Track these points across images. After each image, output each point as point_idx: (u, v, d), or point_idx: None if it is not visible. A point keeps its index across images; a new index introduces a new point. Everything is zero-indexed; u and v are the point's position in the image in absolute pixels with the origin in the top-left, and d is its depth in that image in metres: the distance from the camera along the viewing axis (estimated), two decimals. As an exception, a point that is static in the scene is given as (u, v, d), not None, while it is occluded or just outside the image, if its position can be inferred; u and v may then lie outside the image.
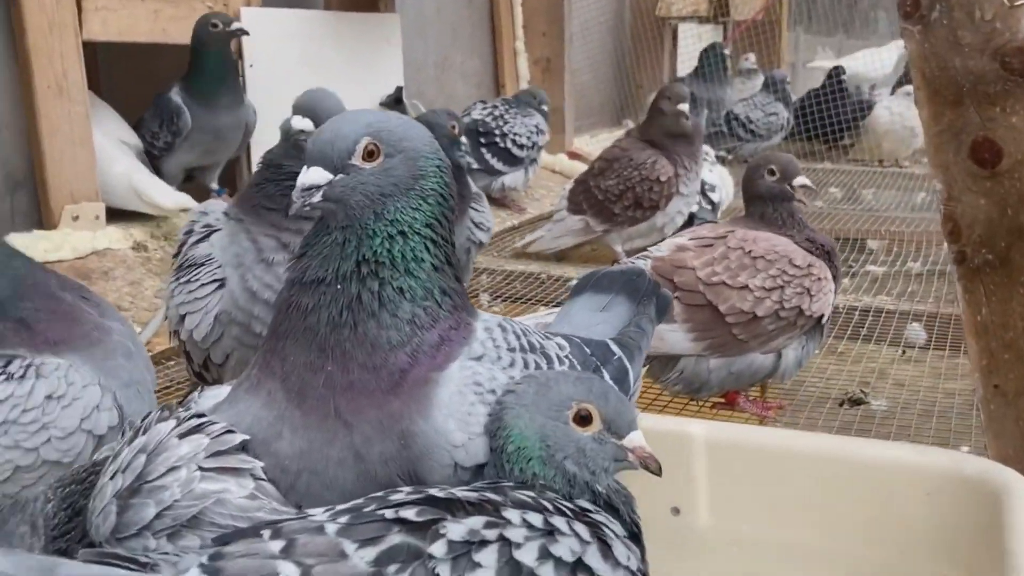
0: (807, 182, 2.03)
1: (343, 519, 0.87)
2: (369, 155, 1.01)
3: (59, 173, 2.79)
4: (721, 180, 3.75)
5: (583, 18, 5.66)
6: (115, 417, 1.26)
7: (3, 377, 1.18)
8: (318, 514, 0.89)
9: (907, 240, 3.86)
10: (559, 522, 0.89)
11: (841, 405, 2.23)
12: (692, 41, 6.85)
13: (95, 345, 1.27)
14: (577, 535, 0.89)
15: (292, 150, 1.64)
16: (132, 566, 0.88)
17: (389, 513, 0.87)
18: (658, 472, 1.01)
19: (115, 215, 3.03)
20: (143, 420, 1.05)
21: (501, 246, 3.85)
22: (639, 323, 1.33)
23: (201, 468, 0.97)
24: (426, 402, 0.99)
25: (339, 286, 1.01)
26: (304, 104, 1.70)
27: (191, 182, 3.37)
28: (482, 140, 4.05)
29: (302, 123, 1.64)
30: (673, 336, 1.91)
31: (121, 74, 3.62)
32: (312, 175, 1.00)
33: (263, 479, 0.98)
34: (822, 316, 1.99)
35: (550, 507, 0.91)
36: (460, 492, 0.91)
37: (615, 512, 0.97)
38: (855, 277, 3.35)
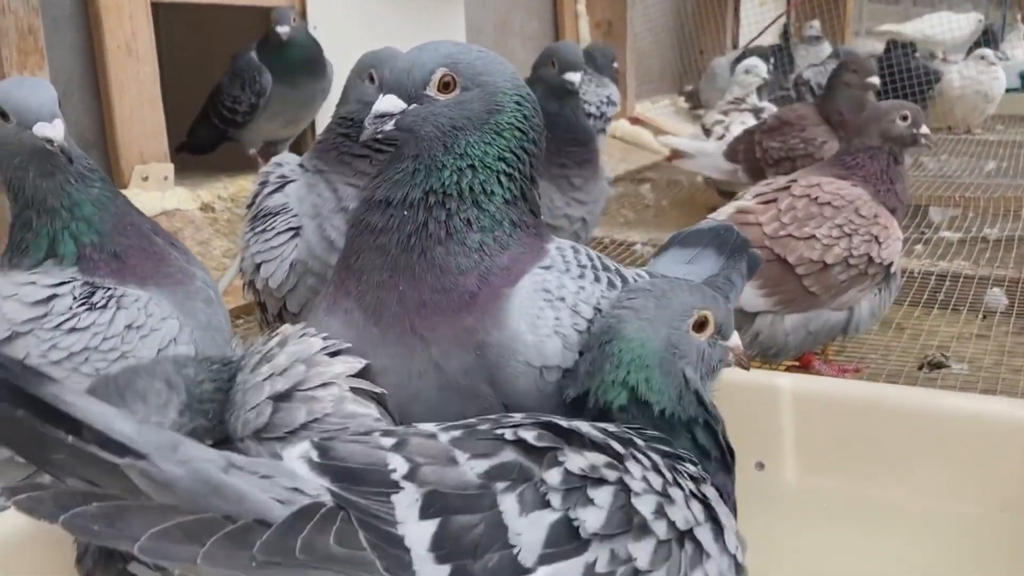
0: (928, 131, 2.09)
1: (457, 432, 0.86)
2: (445, 86, 1.01)
3: (129, 134, 2.81)
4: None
5: (645, -19, 5.56)
6: (192, 352, 1.27)
7: (86, 306, 1.20)
8: (430, 427, 0.88)
9: (982, 207, 3.73)
10: (676, 493, 0.86)
11: (920, 368, 2.17)
12: (756, 6, 6.69)
13: (178, 285, 1.30)
14: (692, 513, 0.87)
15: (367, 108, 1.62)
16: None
17: (508, 434, 0.84)
18: (747, 368, 1.08)
19: (183, 176, 3.05)
20: (277, 334, 1.06)
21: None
22: (728, 275, 1.29)
23: (352, 388, 1.00)
24: (499, 315, 1.02)
25: (406, 212, 1.02)
26: (369, 63, 1.69)
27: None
28: (549, 105, 4.01)
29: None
30: (743, 293, 1.89)
31: (180, 36, 3.64)
32: (386, 103, 1.01)
33: (383, 405, 1.02)
34: (892, 264, 1.95)
35: (669, 476, 0.87)
36: (584, 427, 0.88)
37: (712, 433, 0.97)
38: (928, 244, 3.26)
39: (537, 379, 1.02)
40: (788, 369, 2.12)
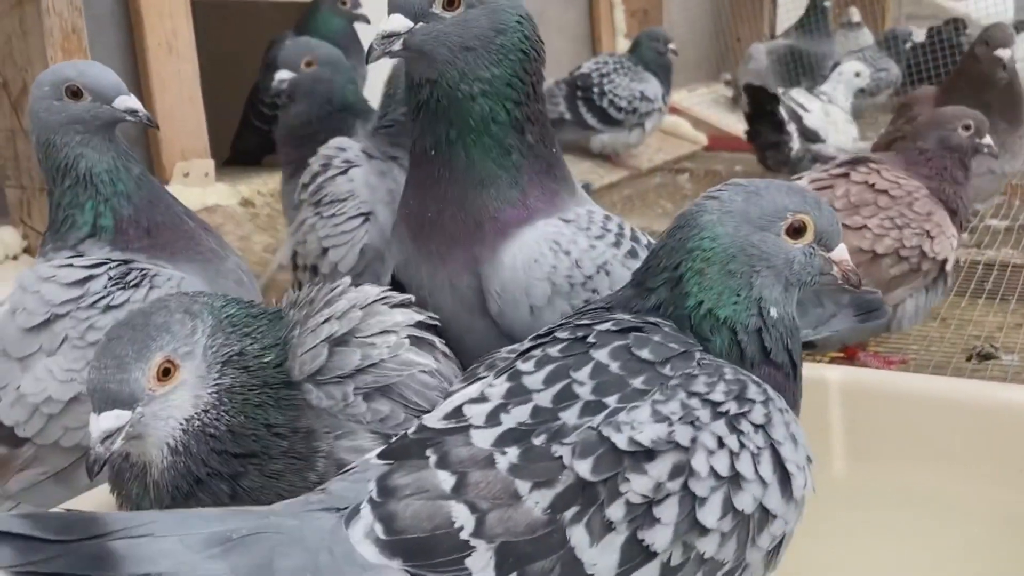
0: (991, 142, 2.01)
1: (512, 450, 0.83)
2: (449, 3, 1.02)
3: (170, 131, 2.84)
4: (829, 124, 3.56)
5: (681, -31, 5.50)
6: None
7: (120, 285, 1.23)
8: (482, 431, 0.86)
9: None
10: (746, 467, 0.84)
11: (968, 360, 2.13)
12: (792, -9, 6.59)
13: (209, 263, 1.33)
14: (761, 479, 0.84)
15: None
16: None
17: (566, 456, 0.82)
18: (859, 286, 0.99)
19: (223, 172, 3.08)
20: (331, 286, 1.08)
21: (598, 202, 3.81)
22: (820, 296, 1.30)
23: (410, 336, 1.02)
24: (499, 250, 1.08)
25: (434, 151, 1.08)
26: None
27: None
28: (579, 94, 3.98)
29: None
30: None
31: (219, 33, 3.67)
32: (393, 22, 1.01)
33: (439, 358, 1.05)
34: (945, 262, 1.91)
35: (735, 444, 0.85)
36: (643, 415, 0.85)
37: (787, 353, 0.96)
38: (974, 232, 3.19)
39: (528, 315, 1.08)
40: (833, 361, 2.10)
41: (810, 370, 1.36)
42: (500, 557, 0.77)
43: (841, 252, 0.97)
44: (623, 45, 4.92)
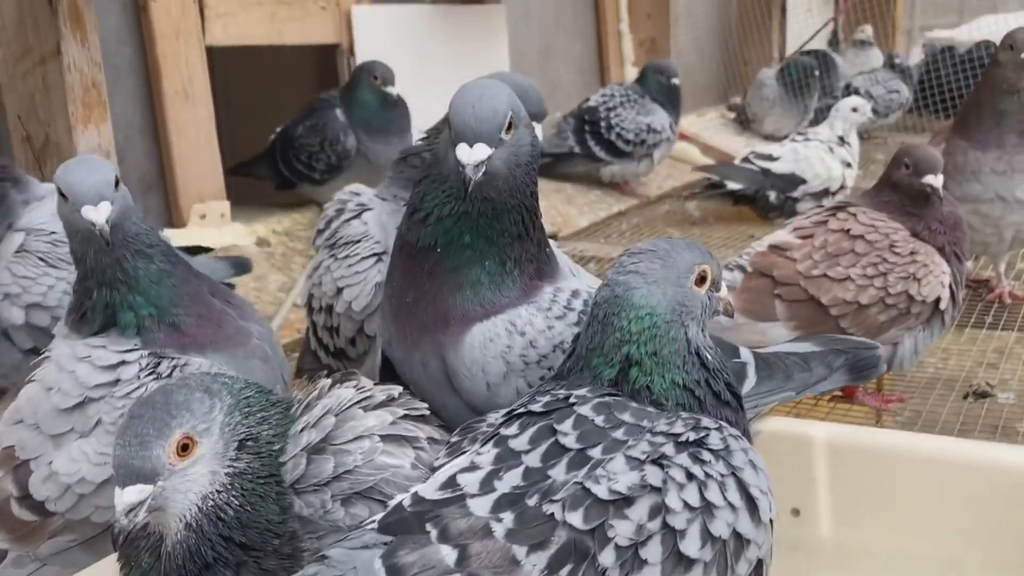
0: (935, 183, 1.91)
1: (507, 515, 0.90)
2: (508, 128, 1.10)
3: (187, 174, 2.93)
4: (804, 164, 3.55)
5: (688, -3, 5.57)
6: None
7: (153, 375, 1.27)
8: (478, 499, 0.92)
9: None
10: (714, 495, 0.93)
11: (965, 398, 2.16)
12: (802, 14, 6.64)
13: (237, 347, 1.35)
14: (730, 504, 0.93)
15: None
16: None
17: (557, 512, 0.90)
18: (731, 315, 1.14)
19: (239, 213, 3.17)
20: (322, 380, 1.15)
21: (607, 231, 3.86)
22: (809, 360, 1.33)
23: (382, 438, 1.07)
24: (461, 338, 1.15)
25: (438, 248, 1.14)
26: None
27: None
28: (587, 127, 4.05)
29: None
30: (775, 331, 1.89)
31: (234, 75, 3.76)
32: (479, 152, 1.07)
33: (422, 448, 1.09)
34: (939, 301, 1.91)
35: (700, 473, 0.94)
36: (619, 465, 0.93)
37: (709, 372, 1.04)
38: (978, 260, 3.22)
39: (486, 391, 1.15)
40: (832, 400, 2.14)
41: (796, 426, 1.42)
42: None
43: (724, 291, 1.11)
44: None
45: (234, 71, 3.75)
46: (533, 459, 0.95)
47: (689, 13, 5.59)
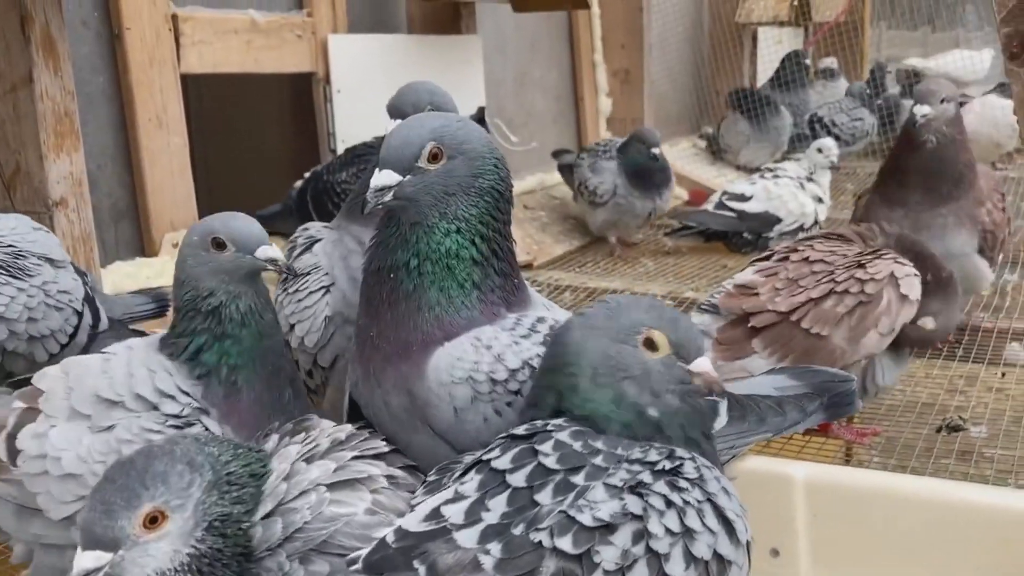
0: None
1: (494, 546, 0.90)
2: (433, 157, 1.13)
3: (160, 203, 2.90)
4: (778, 202, 3.57)
5: (661, 28, 5.63)
6: None
7: (177, 429, 1.27)
8: (464, 531, 0.92)
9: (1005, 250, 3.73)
10: (692, 520, 0.95)
11: (939, 431, 2.18)
12: (772, 45, 6.74)
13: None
14: (709, 529, 0.95)
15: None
16: None
17: (544, 539, 0.90)
18: (722, 395, 1.11)
19: (211, 241, 3.13)
20: (274, 434, 1.15)
21: (582, 260, 3.88)
22: (781, 402, 1.34)
23: (328, 487, 1.06)
24: (424, 366, 1.15)
25: (391, 274, 1.16)
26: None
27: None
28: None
29: None
30: (754, 363, 1.89)
31: (208, 103, 3.75)
32: (384, 177, 1.13)
33: (378, 490, 1.08)
34: (898, 283, 1.88)
35: (678, 500, 0.96)
36: (599, 494, 0.94)
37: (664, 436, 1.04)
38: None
39: (453, 420, 1.14)
40: (807, 433, 2.15)
41: (775, 466, 1.43)
42: None
43: (701, 364, 1.05)
44: (605, 104, 5.03)
45: (207, 99, 3.74)
46: (518, 479, 0.96)
47: (662, 44, 5.65)
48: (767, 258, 2.06)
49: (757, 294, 1.94)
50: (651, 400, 1.04)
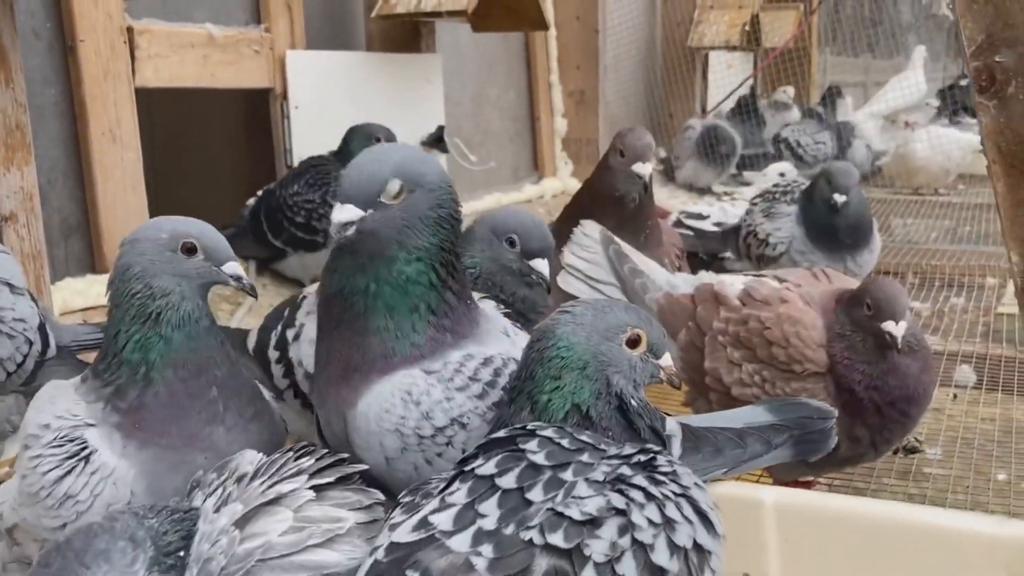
0: (895, 331, 1.60)
1: (486, 548, 0.92)
2: (396, 195, 1.15)
3: (112, 218, 2.84)
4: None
5: (616, 50, 5.69)
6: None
7: (60, 452, 1.24)
8: (456, 537, 0.93)
9: (947, 273, 3.83)
10: (672, 511, 0.99)
11: (895, 453, 2.22)
12: (723, 69, 6.87)
13: (173, 454, 1.28)
14: (687, 519, 0.99)
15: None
16: None
17: (535, 537, 0.92)
18: (679, 387, 1.22)
19: (165, 258, 3.07)
20: (197, 488, 1.12)
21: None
22: (743, 434, 1.34)
23: (235, 525, 1.02)
24: (358, 398, 1.16)
25: (347, 299, 1.18)
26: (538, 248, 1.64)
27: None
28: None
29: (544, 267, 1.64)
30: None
31: (163, 118, 3.68)
32: (347, 212, 1.15)
33: (305, 503, 1.05)
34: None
35: (659, 493, 0.99)
36: (583, 491, 0.97)
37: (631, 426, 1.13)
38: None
39: (385, 465, 1.15)
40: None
41: (745, 490, 1.43)
42: None
43: (667, 359, 1.17)
44: (561, 124, 5.06)
45: (162, 114, 3.67)
46: (508, 481, 0.97)
47: (617, 66, 5.72)
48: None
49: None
50: (633, 392, 1.13)
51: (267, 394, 1.41)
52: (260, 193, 3.12)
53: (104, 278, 2.77)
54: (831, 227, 2.74)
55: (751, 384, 1.72)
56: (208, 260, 1.28)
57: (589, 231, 2.01)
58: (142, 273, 1.25)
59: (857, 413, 1.65)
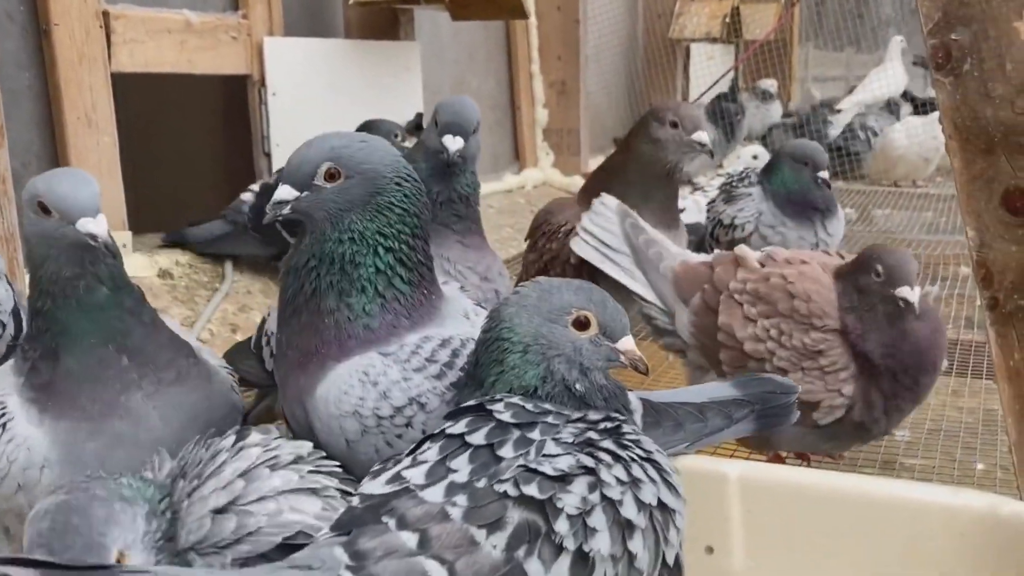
0: (911, 296, 1.62)
1: (460, 498, 0.93)
2: (331, 176, 1.18)
3: (87, 203, 2.82)
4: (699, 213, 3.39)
5: (597, 41, 5.71)
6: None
7: None
8: (428, 489, 0.95)
9: (923, 263, 3.87)
10: (637, 470, 1.01)
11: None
12: (704, 61, 6.89)
13: (93, 421, 1.25)
14: (651, 479, 1.02)
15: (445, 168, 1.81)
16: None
17: (510, 489, 0.94)
18: (646, 372, 1.15)
19: (141, 244, 3.07)
20: (233, 435, 1.13)
21: (517, 269, 3.89)
22: (703, 408, 1.34)
23: (287, 494, 1.06)
24: (316, 384, 1.18)
25: (290, 277, 1.21)
26: (450, 121, 1.78)
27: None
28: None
29: (454, 143, 1.77)
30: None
31: (141, 103, 3.66)
32: (282, 192, 1.18)
33: (331, 496, 1.09)
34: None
35: (624, 453, 1.02)
36: (551, 448, 1.00)
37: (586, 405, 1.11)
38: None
39: (346, 449, 1.16)
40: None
41: (709, 464, 1.45)
42: None
43: (625, 343, 1.13)
44: (541, 114, 5.07)
45: (140, 99, 3.66)
46: (478, 438, 0.99)
47: (598, 57, 5.73)
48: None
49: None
50: (579, 377, 1.10)
51: (213, 359, 1.40)
52: (257, 189, 3.05)
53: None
54: (803, 195, 2.68)
55: (765, 339, 1.74)
56: (63, 219, 1.17)
57: (608, 203, 2.04)
58: (26, 241, 1.21)
59: (872, 378, 1.69)
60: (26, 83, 2.70)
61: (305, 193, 1.18)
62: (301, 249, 1.21)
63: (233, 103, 3.52)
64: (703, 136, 2.24)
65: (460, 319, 1.28)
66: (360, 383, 1.15)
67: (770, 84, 6.60)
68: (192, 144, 3.84)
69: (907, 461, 2.13)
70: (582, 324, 1.11)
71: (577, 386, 1.10)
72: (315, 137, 1.22)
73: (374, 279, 1.18)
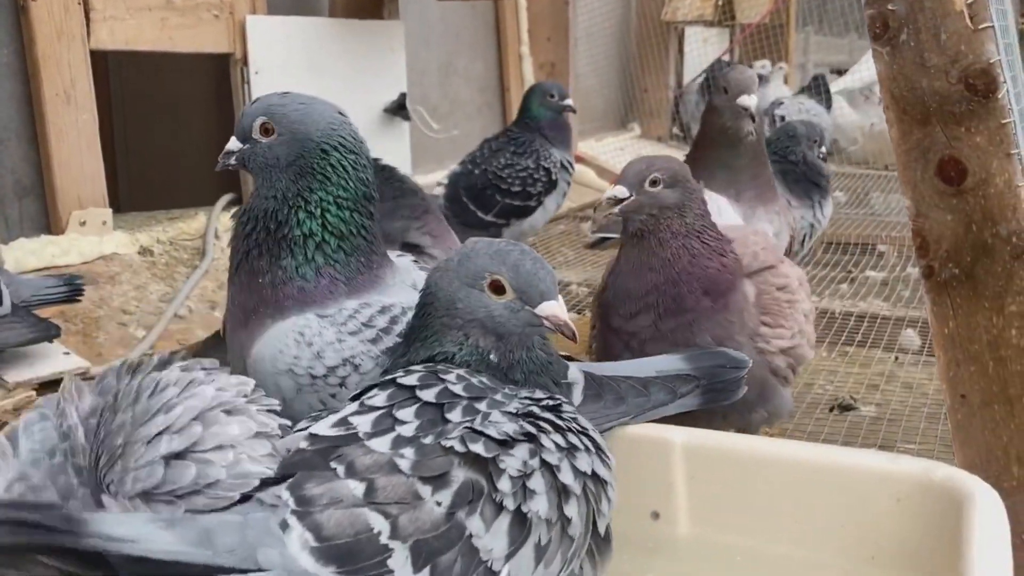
0: (748, 102, 2.19)
1: (408, 451, 0.95)
2: (266, 131, 1.24)
3: (67, 179, 2.84)
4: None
5: (588, 23, 5.69)
6: None
7: None
8: (375, 439, 0.97)
9: (908, 245, 3.87)
10: (573, 438, 1.05)
11: (831, 411, 2.26)
12: (699, 44, 6.87)
13: None
14: (587, 449, 1.06)
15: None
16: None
17: (457, 445, 0.96)
18: (572, 338, 1.13)
19: (122, 220, 3.09)
20: (157, 380, 1.08)
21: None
22: (647, 383, 1.35)
23: (244, 442, 1.04)
24: (254, 342, 1.22)
25: (233, 233, 1.29)
26: None
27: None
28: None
29: None
30: None
31: (131, 82, 3.68)
32: (230, 143, 1.27)
33: (277, 435, 1.08)
34: None
35: (562, 423, 1.06)
36: (497, 417, 1.03)
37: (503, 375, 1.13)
38: (854, 283, 3.38)
39: (283, 405, 1.18)
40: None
41: (654, 430, 1.46)
42: (415, 554, 0.90)
43: (546, 308, 1.10)
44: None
45: (128, 77, 3.67)
46: (428, 395, 1.02)
47: (589, 38, 5.72)
48: None
49: None
50: (495, 344, 1.11)
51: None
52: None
53: (59, 239, 2.80)
54: (807, 175, 2.77)
55: None
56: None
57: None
58: None
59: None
60: (4, 60, 2.71)
61: (247, 145, 1.25)
62: (243, 207, 1.27)
63: (221, 82, 3.53)
64: (747, 100, 2.26)
65: (406, 288, 1.30)
66: (295, 342, 1.19)
67: (762, 65, 6.56)
68: (181, 123, 3.85)
69: (872, 436, 2.15)
70: (498, 288, 1.10)
71: (492, 356, 1.11)
72: (261, 96, 1.29)
73: (301, 243, 1.22)
